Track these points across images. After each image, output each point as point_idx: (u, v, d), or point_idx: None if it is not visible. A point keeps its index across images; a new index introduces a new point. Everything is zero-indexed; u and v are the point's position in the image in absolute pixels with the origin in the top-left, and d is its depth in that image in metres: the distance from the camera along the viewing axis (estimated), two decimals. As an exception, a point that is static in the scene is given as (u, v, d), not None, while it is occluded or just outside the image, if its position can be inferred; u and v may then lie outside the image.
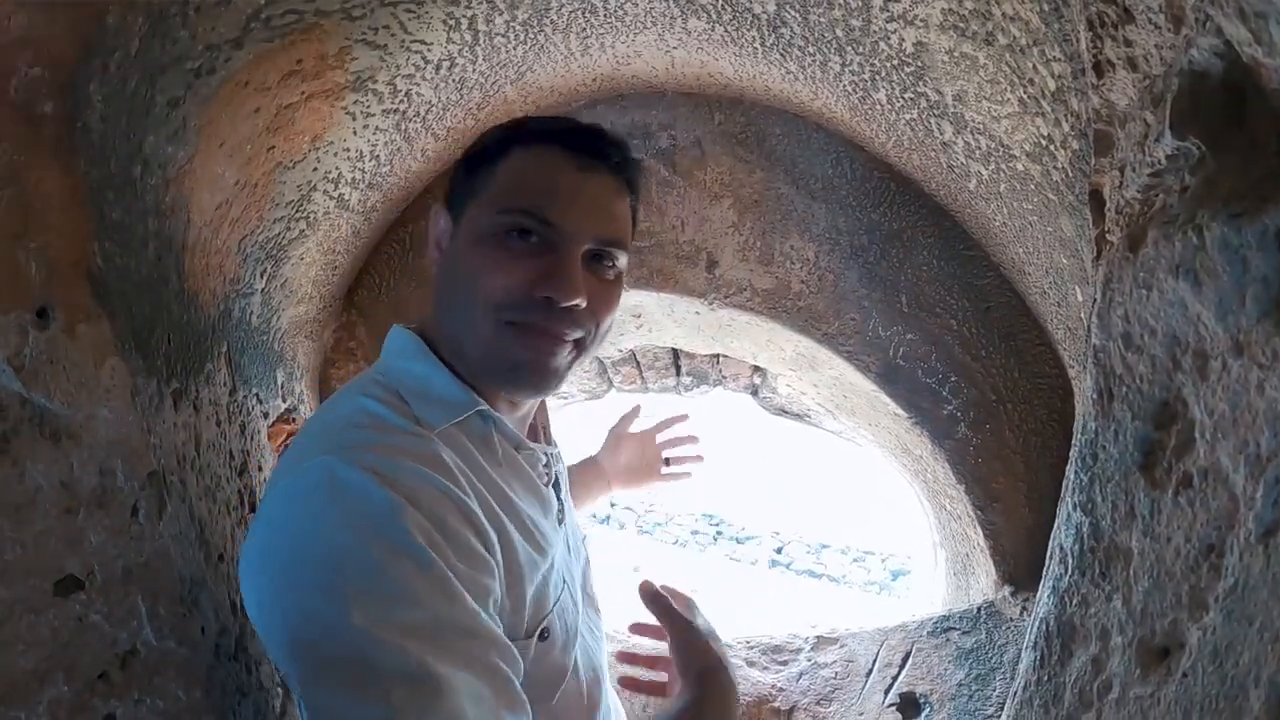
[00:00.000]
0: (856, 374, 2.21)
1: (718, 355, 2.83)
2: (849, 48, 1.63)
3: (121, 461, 1.13)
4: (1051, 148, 1.37)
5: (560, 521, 1.27)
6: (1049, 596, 1.02)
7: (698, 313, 2.36)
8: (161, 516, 1.21)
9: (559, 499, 1.29)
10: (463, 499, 0.97)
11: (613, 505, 21.04)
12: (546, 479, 1.26)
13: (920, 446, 2.25)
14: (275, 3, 1.27)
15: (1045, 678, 1.03)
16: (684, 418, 2.20)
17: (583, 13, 1.77)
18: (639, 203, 1.22)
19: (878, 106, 1.82)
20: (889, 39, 1.51)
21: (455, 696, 0.84)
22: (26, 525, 0.96)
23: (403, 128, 1.90)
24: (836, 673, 2.27)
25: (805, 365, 2.44)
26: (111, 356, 1.13)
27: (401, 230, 2.34)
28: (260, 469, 1.75)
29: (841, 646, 2.32)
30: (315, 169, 1.72)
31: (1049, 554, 1.06)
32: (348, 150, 1.78)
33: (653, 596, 1.38)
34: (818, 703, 2.23)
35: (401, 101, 1.79)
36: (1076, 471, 0.95)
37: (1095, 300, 0.90)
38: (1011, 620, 2.08)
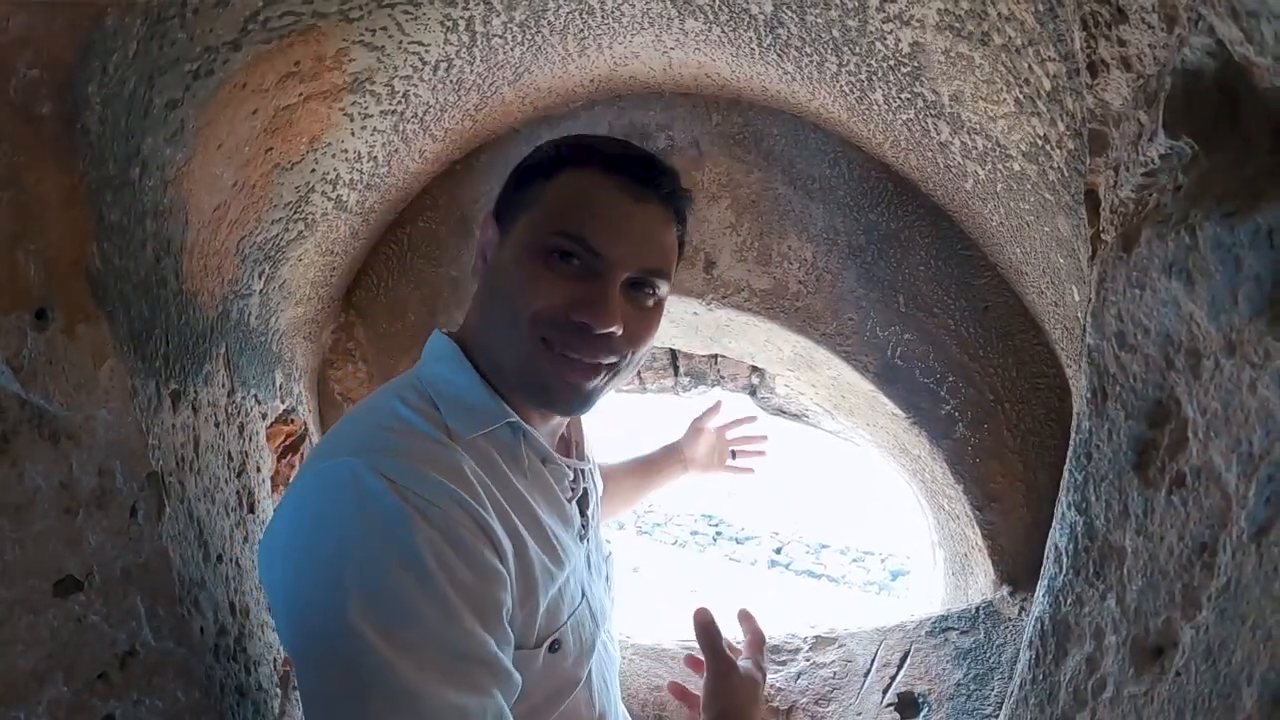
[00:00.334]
0: (854, 374, 2.21)
1: (716, 355, 2.83)
2: (846, 48, 1.63)
3: (120, 462, 1.13)
4: (1047, 147, 1.37)
5: (583, 538, 1.27)
6: (1044, 596, 1.03)
7: (695, 313, 2.36)
8: (160, 517, 1.21)
9: (584, 514, 1.30)
10: (479, 511, 0.98)
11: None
12: (571, 494, 1.26)
13: (918, 446, 2.25)
14: (273, 4, 1.28)
15: (1040, 677, 1.03)
16: (753, 419, 2.38)
17: (580, 14, 1.77)
18: (686, 232, 1.22)
19: (875, 107, 1.82)
20: (885, 39, 1.51)
21: (432, 715, 0.86)
22: (26, 525, 0.96)
23: (400, 129, 1.90)
24: (835, 673, 2.27)
25: (803, 365, 2.44)
26: (110, 357, 1.13)
27: (400, 231, 2.34)
28: (259, 470, 1.76)
29: (840, 646, 2.32)
30: (313, 170, 1.72)
31: (1046, 553, 1.07)
32: (345, 151, 1.78)
33: (704, 627, 1.37)
34: (816, 703, 2.23)
35: (399, 103, 1.79)
36: (1071, 471, 0.96)
37: (1090, 299, 0.90)
38: (1010, 620, 2.08)
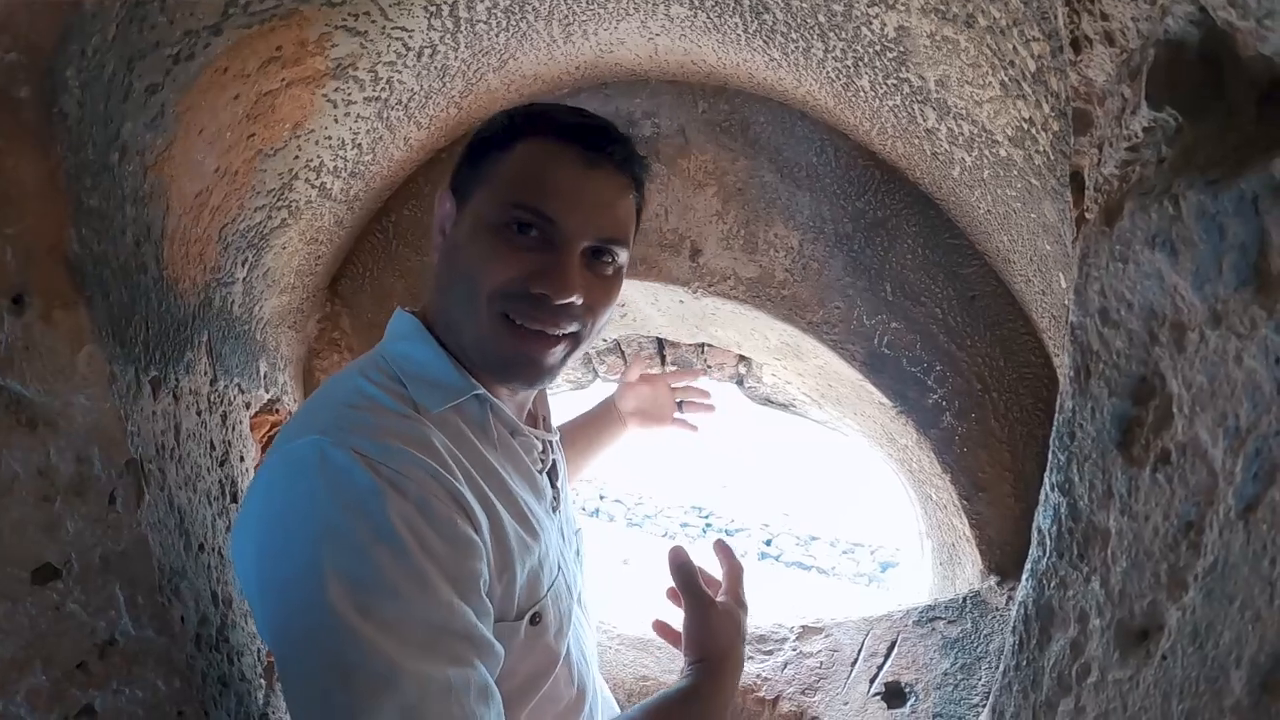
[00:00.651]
0: (841, 363, 2.21)
1: (703, 344, 2.82)
2: (831, 33, 1.63)
3: (99, 449, 1.12)
4: (1033, 131, 1.37)
5: (555, 509, 1.28)
6: (1028, 579, 1.02)
7: (681, 301, 2.35)
8: (140, 505, 1.20)
9: (554, 486, 1.31)
10: (451, 481, 0.98)
11: (601, 498, 21.06)
12: (542, 465, 1.27)
13: (905, 436, 2.25)
14: (253, -13, 1.27)
15: (1024, 662, 1.02)
16: (701, 372, 2.34)
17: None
18: (644, 198, 1.23)
19: (861, 93, 1.82)
20: (871, 24, 1.51)
21: (415, 691, 0.86)
22: (3, 513, 0.96)
23: (385, 116, 1.89)
24: (821, 662, 2.27)
25: (790, 354, 2.44)
26: (88, 344, 1.12)
27: (385, 219, 2.33)
28: (242, 459, 1.75)
29: (826, 636, 2.32)
30: (297, 157, 1.71)
31: (1031, 537, 1.06)
32: (329, 138, 1.77)
33: (680, 567, 1.35)
34: (803, 692, 2.23)
35: (383, 89, 1.78)
36: (1054, 451, 0.95)
37: (1074, 278, 0.89)
38: (997, 609, 2.08)
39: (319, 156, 1.78)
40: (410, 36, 1.67)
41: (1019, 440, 2.10)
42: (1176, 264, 0.70)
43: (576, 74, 2.19)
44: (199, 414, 1.54)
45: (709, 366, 2.87)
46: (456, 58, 1.85)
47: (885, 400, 2.20)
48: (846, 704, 2.17)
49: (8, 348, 0.97)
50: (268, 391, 1.97)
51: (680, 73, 2.19)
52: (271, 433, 1.99)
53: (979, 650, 2.08)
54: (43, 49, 1.00)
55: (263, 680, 1.60)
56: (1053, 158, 1.36)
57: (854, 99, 1.88)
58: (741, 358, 2.84)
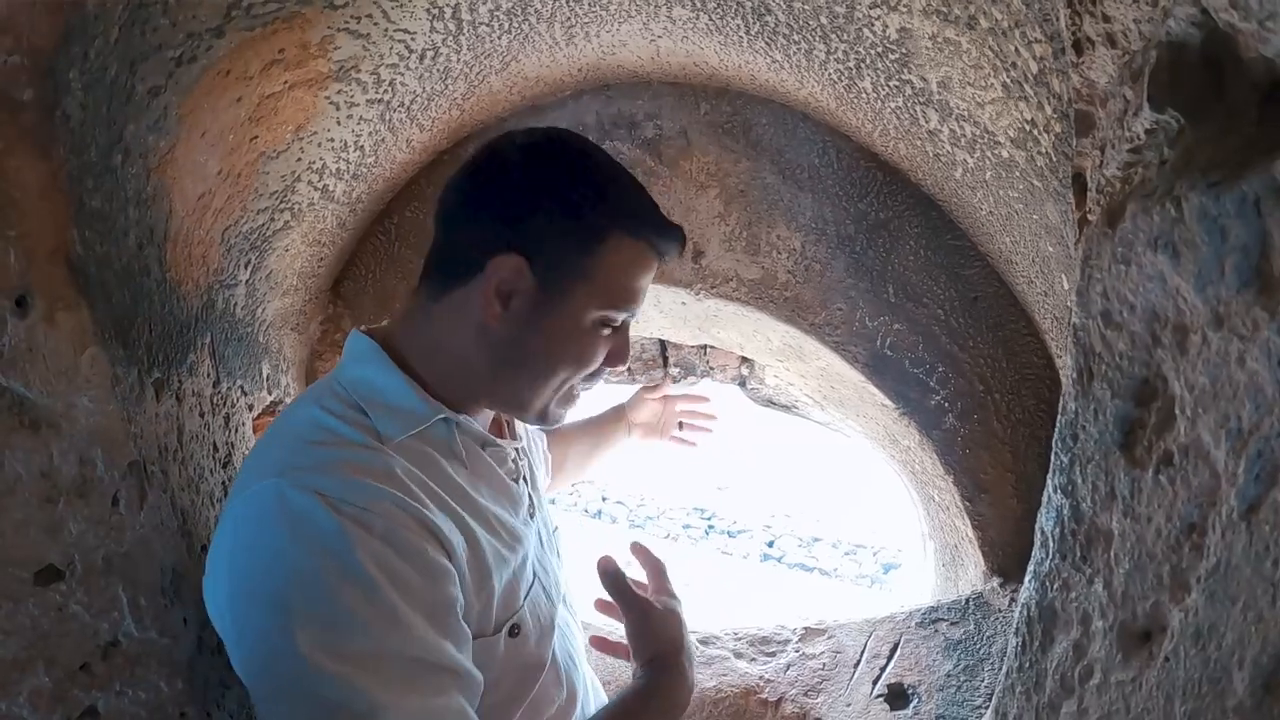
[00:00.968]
0: (844, 364, 2.21)
1: (705, 346, 2.82)
2: (833, 35, 1.63)
3: (101, 451, 1.12)
4: (1035, 132, 1.37)
5: (532, 516, 1.29)
6: (1030, 581, 1.02)
7: (684, 303, 2.35)
8: (142, 506, 1.20)
9: (530, 494, 1.31)
10: (418, 509, 0.98)
11: (604, 500, 21.02)
12: (515, 474, 1.27)
13: (908, 437, 2.25)
14: (256, -11, 1.27)
15: (1027, 664, 1.02)
16: (706, 399, 2.39)
17: (567, 1, 1.76)
18: None
19: (863, 95, 1.82)
20: (873, 25, 1.51)
21: None
22: (6, 514, 0.95)
23: (387, 118, 1.89)
24: (824, 664, 2.27)
25: (792, 356, 2.44)
26: (91, 345, 1.12)
27: (387, 222, 2.33)
28: (245, 461, 1.75)
29: (829, 638, 2.32)
30: (299, 159, 1.71)
31: (1033, 539, 1.06)
32: (332, 140, 1.77)
33: (610, 576, 1.37)
34: (805, 694, 2.23)
35: (385, 91, 1.78)
36: (1057, 453, 0.95)
37: (1076, 280, 0.89)
38: (1000, 611, 2.08)
39: (321, 159, 1.78)
40: (413, 39, 1.67)
41: (1021, 441, 2.10)
42: (1178, 266, 0.70)
43: (579, 76, 2.19)
44: (202, 416, 1.54)
45: (711, 368, 2.87)
46: (459, 60, 1.85)
47: (887, 402, 2.20)
48: (849, 706, 2.17)
49: (11, 349, 0.97)
50: (270, 393, 1.97)
51: (682, 75, 2.19)
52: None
53: (982, 652, 2.08)
54: (45, 51, 1.00)
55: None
56: (1055, 159, 1.35)
57: (856, 101, 1.88)
58: (744, 359, 2.84)
